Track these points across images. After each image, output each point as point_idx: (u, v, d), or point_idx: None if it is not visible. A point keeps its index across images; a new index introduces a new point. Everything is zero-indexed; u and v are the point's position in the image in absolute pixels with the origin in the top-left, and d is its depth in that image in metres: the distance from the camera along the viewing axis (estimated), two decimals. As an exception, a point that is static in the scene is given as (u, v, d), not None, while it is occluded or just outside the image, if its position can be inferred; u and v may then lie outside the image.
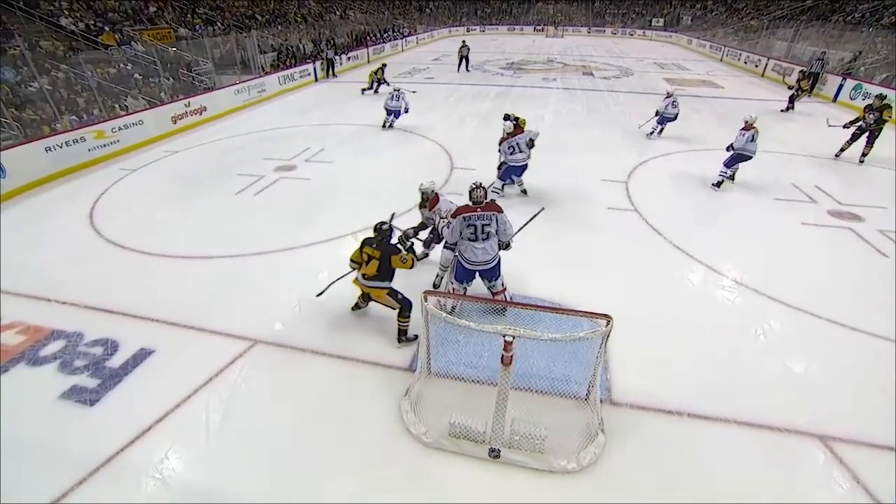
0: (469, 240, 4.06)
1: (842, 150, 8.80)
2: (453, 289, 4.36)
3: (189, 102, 11.35)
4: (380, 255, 3.88)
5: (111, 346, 4.12)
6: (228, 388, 3.71)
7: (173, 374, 3.84)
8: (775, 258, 5.57)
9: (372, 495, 2.94)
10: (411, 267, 3.90)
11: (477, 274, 4.22)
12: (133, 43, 13.07)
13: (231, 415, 3.49)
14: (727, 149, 7.40)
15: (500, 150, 6.97)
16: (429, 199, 4.93)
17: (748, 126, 7.09)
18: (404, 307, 4.00)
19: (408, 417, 3.35)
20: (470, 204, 4.13)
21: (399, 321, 4.06)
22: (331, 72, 17.98)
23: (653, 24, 38.21)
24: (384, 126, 10.93)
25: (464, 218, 4.04)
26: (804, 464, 3.17)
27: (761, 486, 3.00)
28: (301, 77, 16.52)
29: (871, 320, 4.45)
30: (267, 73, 15.10)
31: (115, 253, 5.75)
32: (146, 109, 10.35)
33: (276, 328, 4.39)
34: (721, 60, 23.83)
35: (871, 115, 8.21)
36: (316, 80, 17.38)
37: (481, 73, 19.30)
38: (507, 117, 7.40)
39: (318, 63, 17.54)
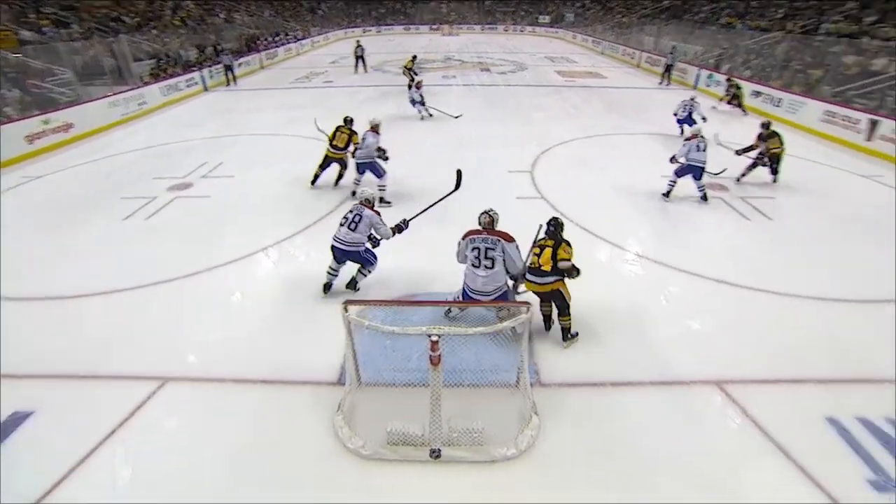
0: (473, 265, 3.95)
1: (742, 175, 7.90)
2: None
3: (48, 118, 9.86)
4: (553, 243, 3.90)
5: (-29, 417, 3.46)
6: (137, 437, 3.31)
7: (62, 435, 3.32)
8: (667, 228, 6.23)
9: (314, 521, 2.81)
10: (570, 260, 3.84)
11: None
12: (-41, 50, 11.06)
13: (145, 466, 3.11)
14: (671, 160, 7.03)
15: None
16: None
17: (692, 136, 6.87)
18: (563, 308, 4.04)
19: (343, 433, 3.24)
20: (479, 227, 4.01)
21: (561, 321, 4.09)
22: (231, 78, 16.93)
23: (540, 21, 40.65)
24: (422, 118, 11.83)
25: (470, 240, 3.95)
26: (706, 408, 3.58)
27: (675, 435, 3.34)
28: (188, 86, 15.18)
29: (743, 275, 5.17)
30: (146, 84, 13.66)
31: (-31, 303, 4.85)
32: (-12, 129, 8.81)
33: (189, 361, 4.01)
34: (602, 53, 26.03)
35: (763, 145, 7.63)
36: (205, 89, 16.06)
37: (381, 74, 19.16)
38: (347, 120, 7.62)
39: (205, 71, 16.24)
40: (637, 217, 6.66)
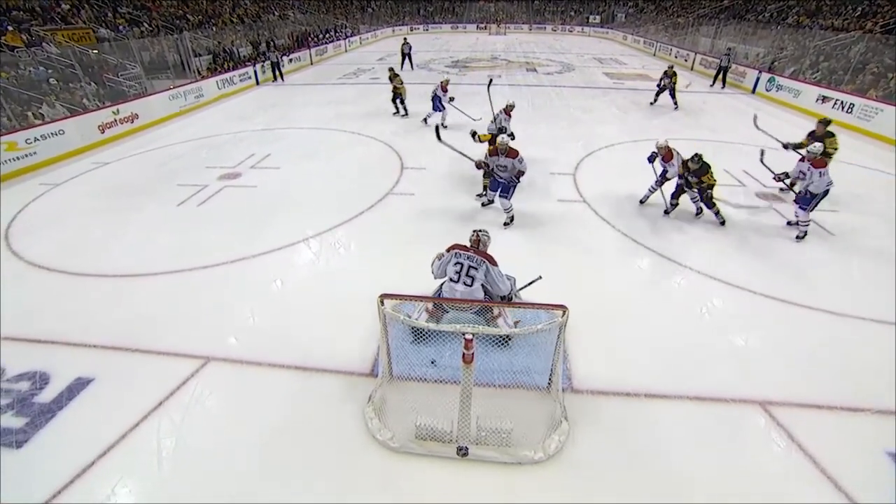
0: (452, 280, 3.84)
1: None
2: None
3: (118, 109, 10.60)
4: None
5: (40, 380, 3.77)
6: (181, 410, 3.51)
7: (117, 402, 3.58)
8: (713, 239, 5.94)
9: (341, 507, 2.87)
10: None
11: None
12: (45, 44, 11.99)
13: (186, 439, 3.30)
14: (776, 178, 6.20)
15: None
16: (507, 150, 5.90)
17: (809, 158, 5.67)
18: None
19: (372, 424, 3.30)
20: (466, 244, 3.96)
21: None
22: (277, 74, 17.42)
23: (590, 20, 39.67)
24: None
25: (455, 254, 3.87)
26: (747, 429, 3.40)
27: (710, 452, 3.20)
28: (241, 81, 15.87)
29: (794, 291, 4.86)
30: (204, 77, 14.37)
31: (39, 276, 5.28)
32: (67, 118, 9.54)
33: (230, 343, 4.20)
34: (654, 55, 25.08)
35: (815, 144, 6.02)
36: (257, 83, 16.74)
37: (427, 72, 19.28)
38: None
39: (258, 66, 16.91)
40: (680, 225, 6.38)
